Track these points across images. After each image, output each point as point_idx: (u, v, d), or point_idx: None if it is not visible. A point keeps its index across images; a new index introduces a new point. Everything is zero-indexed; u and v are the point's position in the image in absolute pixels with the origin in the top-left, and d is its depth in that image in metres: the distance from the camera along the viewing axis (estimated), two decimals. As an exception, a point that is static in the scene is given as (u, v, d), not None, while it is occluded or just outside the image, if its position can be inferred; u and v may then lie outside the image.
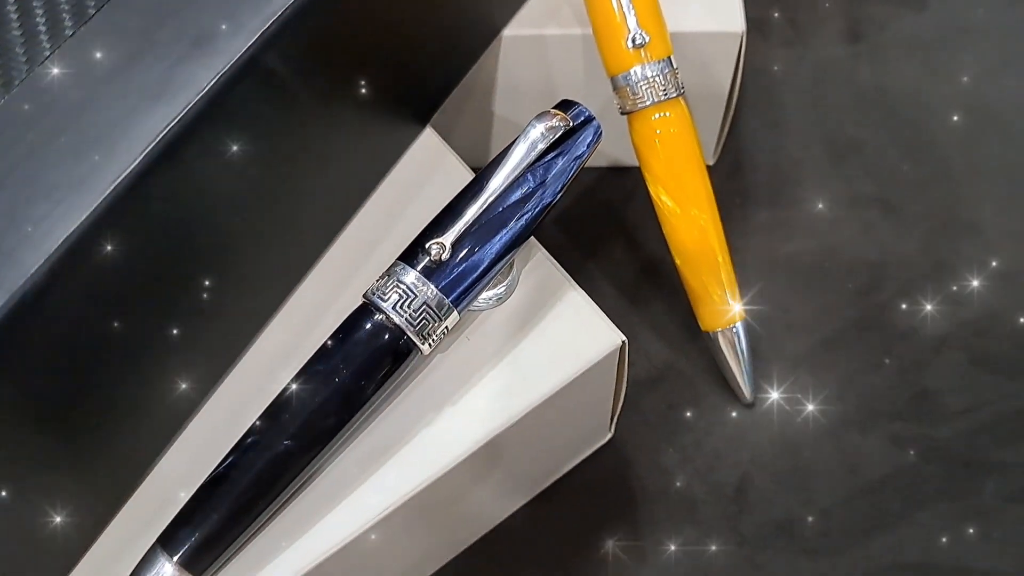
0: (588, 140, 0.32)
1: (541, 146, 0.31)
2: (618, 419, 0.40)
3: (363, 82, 0.33)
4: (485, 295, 0.33)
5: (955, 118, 0.48)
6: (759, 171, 0.47)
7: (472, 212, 0.30)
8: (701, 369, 0.42)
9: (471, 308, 0.33)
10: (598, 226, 0.46)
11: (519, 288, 0.34)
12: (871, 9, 0.52)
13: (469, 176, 0.35)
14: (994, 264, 0.43)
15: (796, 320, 0.43)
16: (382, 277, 0.30)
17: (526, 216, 0.31)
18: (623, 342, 0.33)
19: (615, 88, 0.38)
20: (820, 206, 0.46)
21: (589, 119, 0.32)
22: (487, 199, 0.30)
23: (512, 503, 0.38)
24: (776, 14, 0.52)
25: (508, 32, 0.40)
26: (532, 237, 0.35)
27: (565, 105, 0.32)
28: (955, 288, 0.43)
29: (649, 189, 0.39)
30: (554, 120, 0.31)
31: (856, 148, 0.47)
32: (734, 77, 0.42)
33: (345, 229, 0.35)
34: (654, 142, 0.38)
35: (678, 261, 0.39)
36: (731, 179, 0.47)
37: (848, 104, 0.49)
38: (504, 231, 0.30)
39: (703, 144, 0.46)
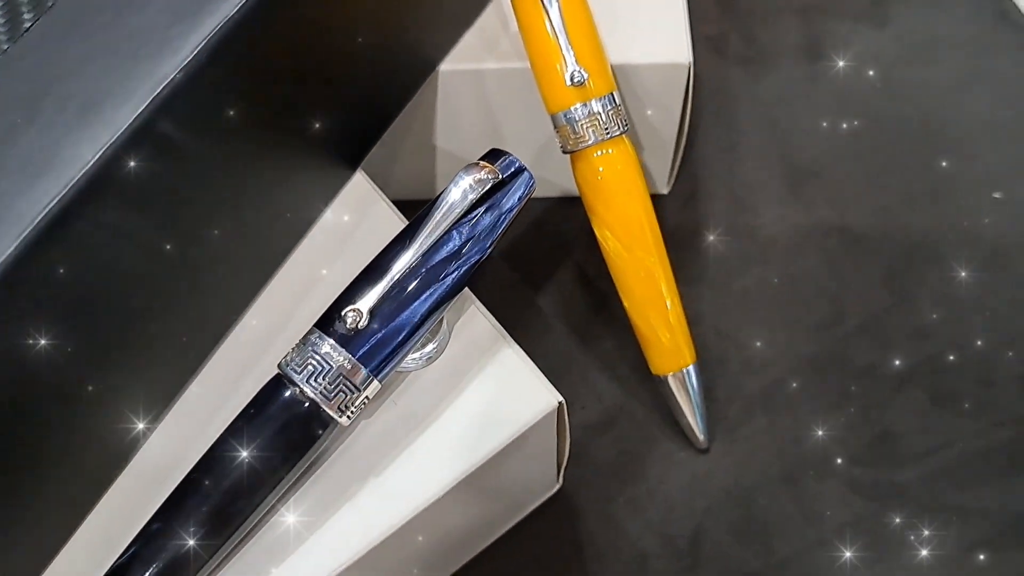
0: (519, 193, 0.30)
1: (470, 198, 0.29)
2: (566, 468, 0.39)
3: (282, 132, 0.31)
4: (412, 356, 0.31)
5: (919, 139, 0.46)
6: (715, 199, 0.45)
7: (391, 276, 0.28)
8: (654, 412, 0.40)
9: (398, 369, 0.31)
10: (548, 259, 0.44)
11: (451, 345, 0.32)
12: (831, 25, 0.50)
13: (400, 224, 0.33)
14: (959, 296, 0.42)
15: (753, 357, 0.41)
16: (297, 346, 0.28)
17: (451, 276, 0.29)
18: (560, 403, 0.31)
19: (556, 127, 0.36)
20: (778, 235, 0.44)
21: (520, 170, 0.30)
22: (407, 262, 0.29)
23: (453, 562, 0.37)
24: (734, 30, 0.50)
25: (445, 67, 0.38)
26: (467, 288, 0.33)
27: (494, 155, 0.31)
28: (918, 321, 0.41)
29: (594, 230, 0.37)
30: (481, 173, 0.30)
31: (816, 172, 0.46)
32: (684, 107, 0.40)
33: (267, 286, 0.33)
34: (597, 181, 0.36)
35: (625, 303, 0.38)
36: (686, 208, 0.45)
37: (807, 125, 0.47)
38: (427, 294, 0.29)
39: (656, 173, 0.44)
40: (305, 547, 0.29)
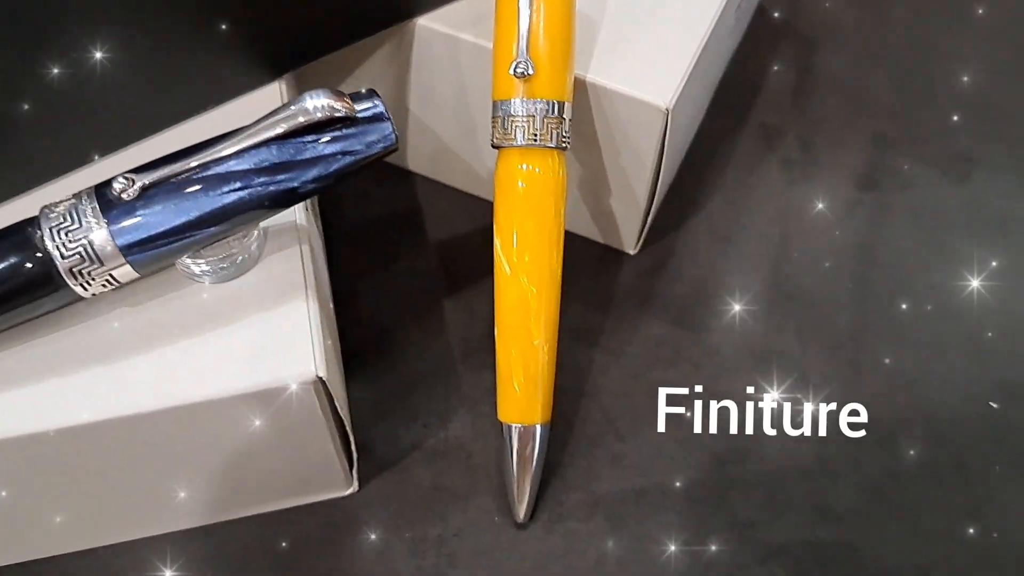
0: (368, 140, 0.27)
1: (305, 119, 0.26)
2: (371, 475, 0.35)
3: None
4: (202, 266, 0.28)
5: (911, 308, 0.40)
6: (676, 284, 0.40)
7: (185, 162, 0.26)
8: (491, 463, 0.36)
9: (187, 274, 0.29)
10: (476, 263, 0.40)
11: (254, 272, 0.29)
12: (901, 163, 0.44)
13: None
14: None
15: (627, 456, 0.36)
16: (71, 196, 0.26)
17: (251, 190, 0.26)
18: (318, 379, 0.27)
19: (492, 115, 0.33)
20: (722, 347, 0.38)
21: (380, 117, 0.27)
22: (210, 155, 0.26)
23: (221, 508, 0.33)
24: (796, 129, 0.45)
25: (423, 22, 0.36)
26: (304, 220, 0.30)
27: (364, 96, 0.28)
28: (833, 501, 0.35)
29: (494, 235, 0.33)
30: (335, 101, 0.27)
31: (798, 299, 0.40)
32: (659, 159, 0.36)
33: (129, 148, 0.31)
34: (512, 185, 0.32)
35: (496, 331, 0.34)
36: (640, 278, 0.40)
37: (816, 254, 0.41)
38: (214, 194, 0.26)
39: (624, 230, 0.40)
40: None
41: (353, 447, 0.32)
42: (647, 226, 0.39)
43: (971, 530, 0.34)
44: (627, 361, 0.38)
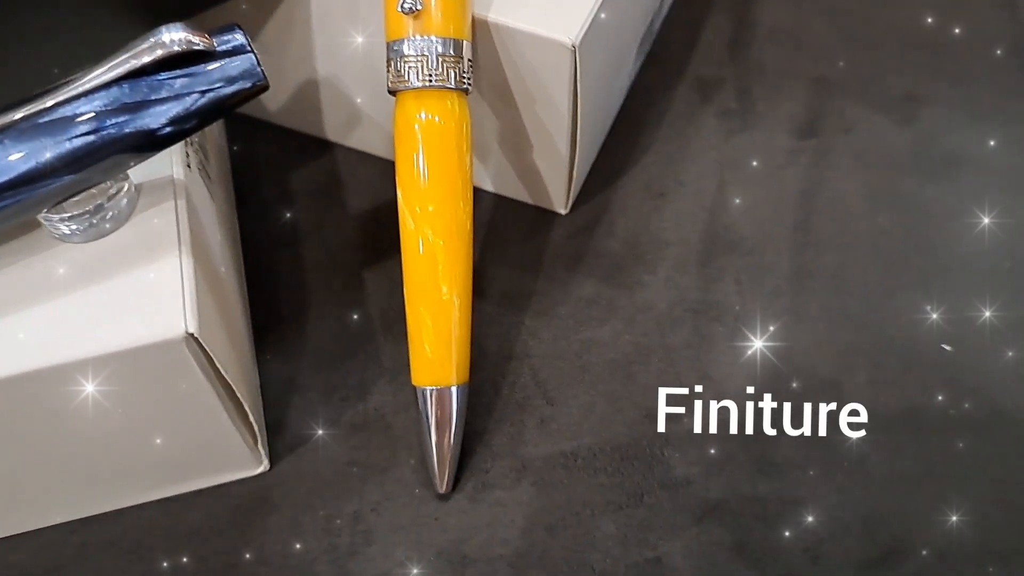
0: (232, 75, 0.25)
1: (161, 53, 0.24)
2: (284, 452, 0.33)
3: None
4: (68, 224, 0.26)
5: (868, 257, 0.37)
6: (611, 240, 0.38)
7: (28, 107, 0.24)
8: (412, 435, 0.33)
9: (55, 235, 0.27)
10: (395, 231, 0.38)
11: (125, 230, 0.27)
12: (841, 106, 0.42)
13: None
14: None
15: (556, 420, 0.34)
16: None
17: (102, 133, 0.24)
18: (189, 335, 0.25)
19: (386, 59, 0.31)
20: (658, 302, 0.36)
21: (241, 50, 0.25)
22: (54, 98, 0.24)
23: (121, 491, 0.31)
24: (732, 79, 0.43)
25: (311, -32, 0.34)
26: (181, 175, 0.29)
27: (227, 28, 0.26)
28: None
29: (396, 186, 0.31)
30: (191, 34, 0.25)
31: (743, 247, 0.38)
32: (573, 102, 0.34)
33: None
34: (409, 135, 0.31)
35: (404, 289, 0.32)
36: (573, 238, 0.38)
37: (753, 201, 0.39)
38: (60, 140, 0.24)
39: (552, 187, 0.38)
40: None
41: (251, 418, 0.30)
42: (574, 182, 0.37)
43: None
44: (557, 322, 0.36)
